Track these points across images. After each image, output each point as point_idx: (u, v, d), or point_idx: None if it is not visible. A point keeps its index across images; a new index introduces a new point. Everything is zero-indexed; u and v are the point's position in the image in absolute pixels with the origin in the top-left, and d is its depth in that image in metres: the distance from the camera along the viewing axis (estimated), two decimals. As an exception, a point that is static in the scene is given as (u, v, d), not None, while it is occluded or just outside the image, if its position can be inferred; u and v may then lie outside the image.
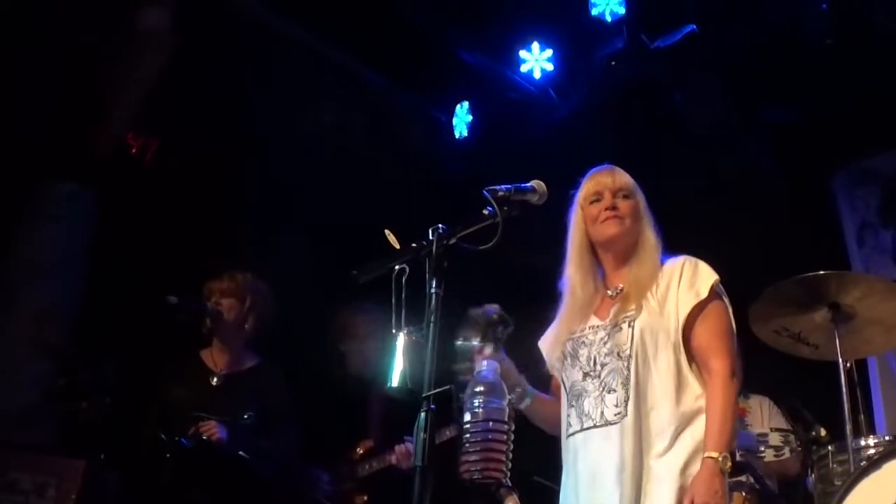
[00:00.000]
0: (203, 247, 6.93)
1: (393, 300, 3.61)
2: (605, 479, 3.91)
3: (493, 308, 3.87)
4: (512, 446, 3.55)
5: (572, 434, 4.07)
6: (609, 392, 3.99)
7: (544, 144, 7.26)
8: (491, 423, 3.48)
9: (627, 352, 4.00)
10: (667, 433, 3.91)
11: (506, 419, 3.55)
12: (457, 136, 7.74)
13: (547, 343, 4.35)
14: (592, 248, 4.28)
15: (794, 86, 7.00)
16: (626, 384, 3.97)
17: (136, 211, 6.83)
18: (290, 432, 5.90)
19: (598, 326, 4.14)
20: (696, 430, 3.91)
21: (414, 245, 3.63)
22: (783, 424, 6.00)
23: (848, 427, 5.21)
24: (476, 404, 3.52)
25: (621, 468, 3.88)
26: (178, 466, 5.23)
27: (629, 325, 4.04)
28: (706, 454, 3.82)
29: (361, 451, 6.28)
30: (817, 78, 6.86)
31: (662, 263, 4.18)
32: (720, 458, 3.78)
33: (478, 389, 3.55)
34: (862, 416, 5.50)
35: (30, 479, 5.30)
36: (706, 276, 4.08)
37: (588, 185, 4.29)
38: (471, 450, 3.46)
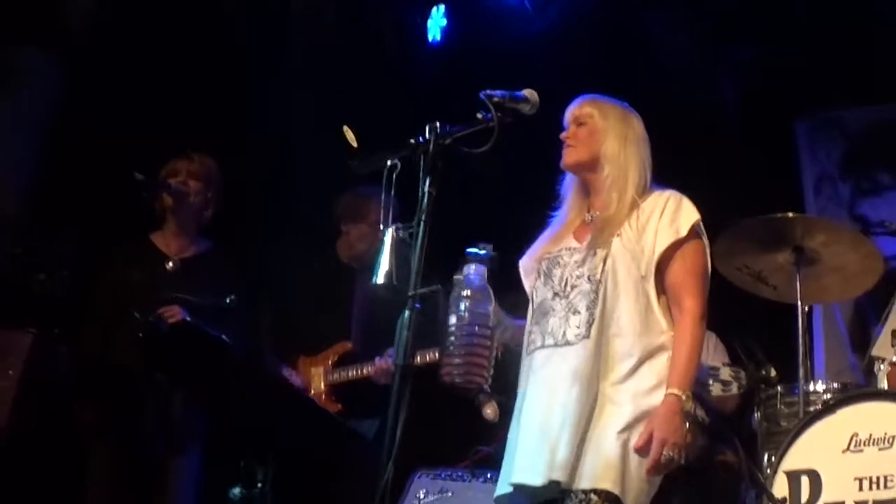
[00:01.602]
0: (168, 126, 6.77)
1: (383, 195, 3.57)
2: (557, 395, 3.89)
3: (489, 250, 3.77)
4: (495, 353, 3.55)
5: (533, 351, 4.05)
6: (574, 313, 3.97)
7: (515, 56, 7.18)
8: (476, 328, 3.49)
9: (597, 277, 3.98)
10: (628, 362, 3.92)
11: (490, 325, 3.54)
12: (430, 39, 7.63)
13: (525, 262, 4.33)
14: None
15: (770, 28, 7.00)
16: (591, 307, 3.95)
17: (101, 83, 6.67)
18: (252, 319, 5.78)
19: (574, 249, 4.12)
20: (658, 364, 3.93)
21: (411, 141, 3.58)
22: (725, 360, 6.05)
23: (801, 371, 5.28)
24: (462, 308, 3.51)
25: (574, 385, 3.86)
26: (148, 347, 5.12)
27: (603, 251, 4.01)
28: (669, 390, 3.83)
29: (338, 355, 6.12)
30: (794, 23, 6.88)
31: (651, 190, 4.14)
32: (683, 397, 3.81)
33: (465, 293, 3.54)
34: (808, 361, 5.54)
35: (-27, 350, 5.21)
36: (688, 214, 4.05)
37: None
38: (454, 353, 3.46)
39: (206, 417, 5.51)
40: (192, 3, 6.85)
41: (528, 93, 3.86)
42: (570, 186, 4.30)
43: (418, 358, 5.58)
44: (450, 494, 5.58)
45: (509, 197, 6.40)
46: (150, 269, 5.82)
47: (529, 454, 3.88)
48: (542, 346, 4.01)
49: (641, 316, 3.97)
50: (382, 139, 3.71)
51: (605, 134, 4.17)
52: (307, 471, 5.53)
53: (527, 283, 4.26)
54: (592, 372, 3.88)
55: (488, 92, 3.75)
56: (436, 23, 7.62)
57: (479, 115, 3.72)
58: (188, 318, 5.37)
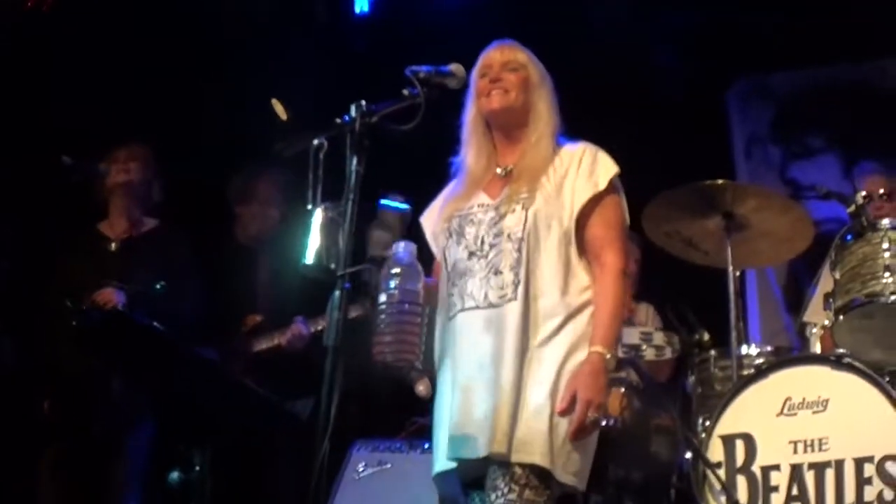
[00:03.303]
0: (103, 111, 6.71)
1: (310, 175, 3.53)
2: (485, 361, 3.77)
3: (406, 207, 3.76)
4: (426, 329, 3.53)
5: (454, 315, 3.91)
6: (496, 274, 3.84)
7: (444, 26, 7.16)
8: (406, 306, 3.44)
9: (519, 235, 3.85)
10: (552, 322, 3.79)
11: (421, 302, 3.51)
12: (357, 10, 7.58)
13: (431, 219, 4.18)
14: (487, 126, 4.11)
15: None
16: (514, 268, 3.82)
17: (33, 66, 6.59)
18: (192, 290, 5.77)
19: (487, 206, 3.97)
20: (580, 322, 3.81)
21: (337, 121, 3.54)
22: (659, 326, 6.10)
23: (733, 334, 5.32)
24: (392, 286, 3.46)
25: (502, 350, 3.74)
26: (82, 335, 5.06)
27: (523, 208, 3.88)
28: (593, 348, 3.73)
29: (248, 328, 6.05)
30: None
31: (561, 145, 4.03)
32: (607, 355, 3.71)
33: (394, 271, 3.49)
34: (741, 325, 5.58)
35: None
36: (605, 167, 3.93)
37: (480, 61, 4.12)
38: (385, 331, 3.42)
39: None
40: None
41: (454, 67, 3.80)
42: (472, 134, 4.12)
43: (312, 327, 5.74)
44: (388, 466, 5.60)
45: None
46: (93, 254, 5.83)
47: (465, 427, 3.75)
48: (463, 309, 3.87)
49: (563, 274, 3.85)
50: (311, 111, 3.66)
51: (538, 87, 4.06)
52: (244, 452, 5.54)
53: (434, 244, 4.11)
54: (521, 335, 3.76)
55: (414, 68, 3.68)
56: (363, -8, 7.59)
57: (406, 92, 3.65)
58: (121, 306, 5.35)
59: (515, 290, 3.79)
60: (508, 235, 3.86)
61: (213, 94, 7.03)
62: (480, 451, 3.68)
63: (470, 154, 4.10)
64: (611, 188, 3.91)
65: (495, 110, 4.03)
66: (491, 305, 3.81)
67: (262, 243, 6.27)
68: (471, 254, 3.91)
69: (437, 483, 3.92)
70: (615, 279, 3.83)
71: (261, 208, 6.31)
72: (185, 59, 7.08)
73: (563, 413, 3.66)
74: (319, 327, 5.69)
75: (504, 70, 4.05)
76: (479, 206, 3.99)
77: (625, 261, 3.90)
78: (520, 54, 4.11)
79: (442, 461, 3.85)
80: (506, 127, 4.07)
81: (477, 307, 3.84)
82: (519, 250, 3.83)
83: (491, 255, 3.87)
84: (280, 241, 6.08)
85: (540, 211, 3.86)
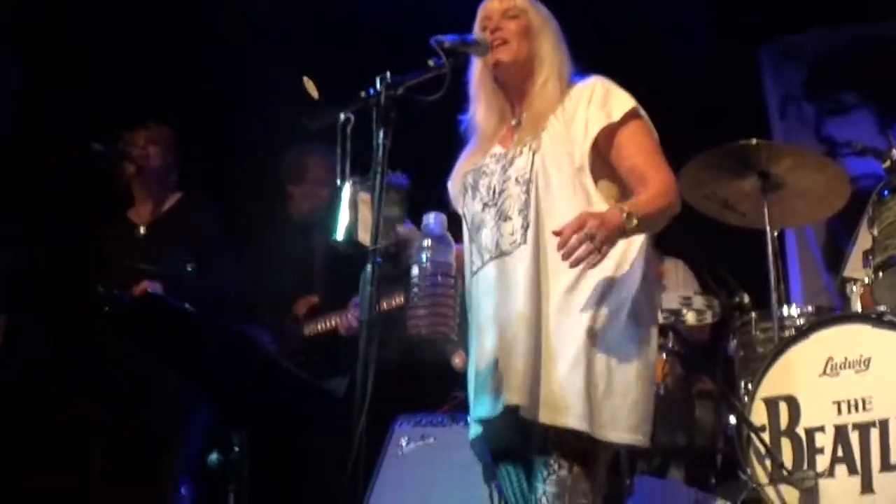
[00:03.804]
0: (124, 96, 6.71)
1: (338, 150, 3.50)
2: (498, 312, 3.64)
3: (405, 178, 3.61)
4: (460, 300, 3.50)
5: (476, 272, 3.79)
6: (505, 220, 3.71)
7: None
8: (439, 278, 3.40)
9: (526, 176, 3.70)
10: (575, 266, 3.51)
11: (453, 273, 3.47)
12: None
13: (451, 180, 4.05)
14: (497, 80, 3.97)
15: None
16: (523, 211, 3.68)
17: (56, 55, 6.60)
18: (224, 262, 5.77)
19: (500, 155, 3.84)
20: (606, 266, 3.54)
21: (362, 94, 3.50)
22: (696, 289, 6.05)
23: (773, 295, 5.27)
24: (424, 259, 3.43)
25: (515, 298, 3.60)
26: (114, 320, 5.07)
27: (530, 150, 3.73)
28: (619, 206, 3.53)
29: (306, 309, 6.05)
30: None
31: (574, 83, 3.86)
32: (625, 214, 3.44)
33: (425, 244, 3.46)
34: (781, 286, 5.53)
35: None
36: (620, 100, 3.72)
37: (479, 13, 3.97)
38: (419, 304, 3.39)
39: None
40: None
41: (478, 36, 3.77)
42: (480, 89, 3.97)
43: (384, 304, 5.67)
44: (432, 440, 5.58)
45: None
46: (124, 243, 5.85)
47: (482, 375, 3.64)
48: (483, 265, 3.75)
49: (581, 210, 3.57)
50: (338, 86, 3.63)
51: (540, 31, 3.90)
52: (281, 432, 5.53)
53: (456, 204, 3.98)
54: (533, 280, 3.60)
55: (439, 37, 3.61)
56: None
57: (431, 62, 3.59)
58: (153, 290, 5.35)
59: (525, 234, 3.66)
60: (516, 179, 3.73)
61: (229, 71, 7.04)
62: (497, 405, 3.55)
63: (480, 110, 3.98)
64: (632, 115, 3.72)
65: (500, 63, 3.88)
66: (503, 253, 3.70)
67: (313, 221, 6.23)
68: (484, 205, 3.81)
69: (474, 451, 3.85)
70: (663, 186, 3.63)
71: (312, 188, 6.30)
72: (197, 36, 7.09)
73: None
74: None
75: (504, 18, 3.89)
76: (491, 156, 3.88)
77: (672, 177, 3.69)
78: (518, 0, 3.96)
79: (473, 426, 3.78)
80: (514, 79, 3.93)
81: (490, 258, 3.73)
82: (527, 192, 3.70)
83: (500, 201, 3.76)
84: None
85: (548, 148, 3.72)
